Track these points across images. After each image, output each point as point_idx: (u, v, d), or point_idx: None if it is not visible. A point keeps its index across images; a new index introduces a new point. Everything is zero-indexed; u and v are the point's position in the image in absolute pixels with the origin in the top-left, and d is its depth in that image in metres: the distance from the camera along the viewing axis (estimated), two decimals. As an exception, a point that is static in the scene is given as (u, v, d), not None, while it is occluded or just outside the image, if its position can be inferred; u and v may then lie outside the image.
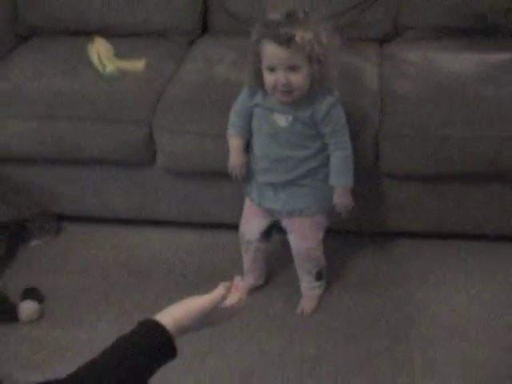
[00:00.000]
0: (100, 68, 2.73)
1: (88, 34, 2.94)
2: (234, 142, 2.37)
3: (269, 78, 2.14)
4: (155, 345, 1.22)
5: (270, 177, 2.32)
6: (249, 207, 2.46)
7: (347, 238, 2.77)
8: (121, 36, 3.00)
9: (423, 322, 2.41)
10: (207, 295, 1.32)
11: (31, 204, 2.80)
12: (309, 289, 2.50)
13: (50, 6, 3.07)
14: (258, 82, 2.21)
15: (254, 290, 2.57)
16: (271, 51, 2.10)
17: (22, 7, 3.14)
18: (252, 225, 2.46)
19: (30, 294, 2.53)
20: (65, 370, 1.16)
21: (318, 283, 2.49)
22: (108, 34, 2.96)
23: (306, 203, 2.33)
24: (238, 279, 1.42)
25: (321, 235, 2.41)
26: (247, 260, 2.55)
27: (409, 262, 2.66)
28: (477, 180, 2.55)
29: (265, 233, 2.46)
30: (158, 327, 1.24)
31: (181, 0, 3.03)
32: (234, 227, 2.54)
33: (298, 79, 2.12)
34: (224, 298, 1.34)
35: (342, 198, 2.32)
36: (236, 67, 2.72)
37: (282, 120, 2.25)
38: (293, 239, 2.42)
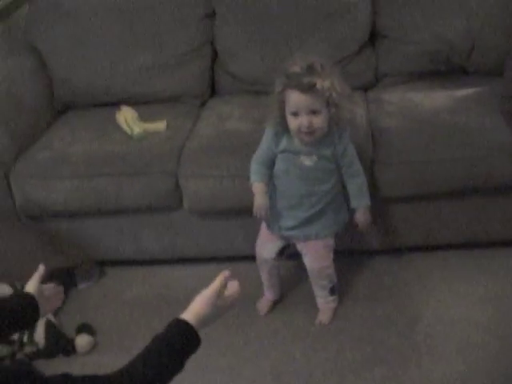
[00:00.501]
0: (128, 131, 3.08)
1: (115, 104, 3.32)
2: (259, 188, 2.59)
3: (293, 122, 2.43)
4: (184, 338, 1.55)
5: (296, 212, 2.61)
6: (265, 233, 2.75)
7: (353, 257, 3.06)
8: (143, 103, 3.36)
9: (425, 320, 2.69)
10: (210, 286, 1.66)
11: (77, 252, 3.05)
12: (324, 303, 2.79)
13: (81, 83, 3.44)
14: (283, 127, 2.49)
15: (275, 306, 2.87)
16: (295, 98, 2.38)
17: (58, 86, 3.49)
18: (269, 247, 2.76)
19: (84, 328, 2.79)
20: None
21: (331, 298, 2.78)
22: (132, 102, 3.33)
23: (320, 228, 2.63)
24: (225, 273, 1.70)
25: (331, 255, 2.71)
26: (264, 277, 2.85)
27: (407, 272, 2.96)
28: (456, 196, 2.86)
29: (279, 252, 2.76)
30: (184, 324, 1.56)
31: (191, 69, 3.39)
32: (250, 257, 2.85)
33: (319, 121, 2.41)
34: (223, 285, 1.66)
35: (363, 216, 2.65)
36: (243, 120, 3.08)
37: (307, 160, 2.52)
38: (307, 260, 2.72)
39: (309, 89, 2.35)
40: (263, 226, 2.76)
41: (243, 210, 2.74)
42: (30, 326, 1.82)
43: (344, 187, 2.64)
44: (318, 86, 2.34)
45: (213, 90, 3.50)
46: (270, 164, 2.60)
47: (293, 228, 2.66)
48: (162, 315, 2.78)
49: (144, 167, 2.92)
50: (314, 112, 2.39)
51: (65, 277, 3.04)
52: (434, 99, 3.05)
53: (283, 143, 2.54)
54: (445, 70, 3.25)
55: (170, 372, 1.50)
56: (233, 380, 2.57)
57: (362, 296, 2.89)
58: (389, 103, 3.09)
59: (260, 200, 2.60)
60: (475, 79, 3.20)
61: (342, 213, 2.67)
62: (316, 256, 2.71)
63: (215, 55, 3.47)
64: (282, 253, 2.80)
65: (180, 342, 1.53)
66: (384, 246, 3.06)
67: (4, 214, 3.02)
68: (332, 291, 2.78)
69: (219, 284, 1.66)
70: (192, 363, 2.65)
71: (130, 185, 2.92)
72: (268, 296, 2.89)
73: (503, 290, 2.82)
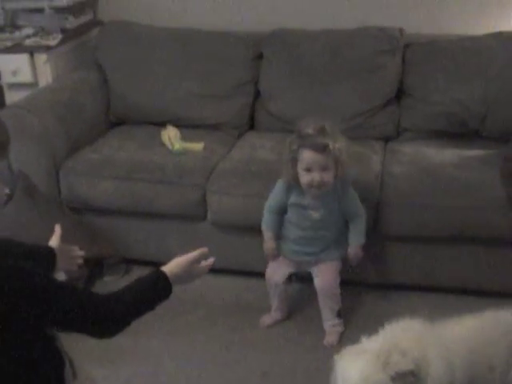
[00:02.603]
0: (169, 146, 3.43)
1: (162, 123, 3.68)
2: (268, 235, 2.98)
3: (306, 177, 2.75)
4: (160, 285, 1.83)
5: (304, 248, 2.95)
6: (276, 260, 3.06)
7: (352, 288, 3.25)
8: (187, 126, 3.69)
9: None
10: (188, 254, 1.92)
11: (108, 246, 3.37)
12: (332, 326, 3.04)
13: (135, 101, 3.83)
14: (295, 181, 2.80)
15: (281, 325, 3.12)
16: (309, 157, 2.71)
17: (114, 102, 3.89)
18: (279, 272, 3.04)
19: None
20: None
21: (338, 321, 3.04)
22: (178, 124, 3.67)
23: (329, 252, 2.94)
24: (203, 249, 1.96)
25: (338, 278, 2.98)
26: (275, 300, 3.11)
27: (399, 307, 3.10)
28: (452, 242, 3.09)
29: (288, 278, 3.06)
30: (163, 274, 1.84)
31: (235, 103, 3.75)
32: (261, 274, 3.12)
33: (329, 177, 2.74)
34: (200, 257, 1.94)
35: (354, 251, 2.93)
36: (273, 151, 3.39)
37: (316, 214, 2.86)
38: (319, 281, 2.98)
39: (322, 149, 2.68)
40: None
41: (259, 229, 3.01)
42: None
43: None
44: (331, 146, 2.68)
45: (251, 125, 3.83)
46: (282, 212, 2.95)
47: (303, 255, 2.97)
48: (174, 312, 3.13)
49: (177, 178, 3.25)
50: (324, 169, 2.71)
51: (94, 267, 3.38)
52: (445, 155, 3.30)
53: (293, 197, 2.87)
54: (460, 132, 3.51)
55: (143, 308, 1.78)
56: (225, 374, 2.85)
57: (354, 323, 3.12)
58: (403, 154, 3.36)
59: (268, 245, 3.01)
60: (486, 142, 3.44)
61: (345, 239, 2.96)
62: (326, 277, 2.97)
63: (257, 94, 3.81)
64: (290, 278, 3.09)
65: (156, 287, 1.82)
66: (381, 281, 3.29)
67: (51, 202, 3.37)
68: (339, 314, 3.03)
69: (196, 256, 1.94)
70: (193, 357, 2.95)
71: (163, 192, 3.25)
72: (275, 315, 3.15)
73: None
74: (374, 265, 3.24)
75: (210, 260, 2.00)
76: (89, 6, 4.23)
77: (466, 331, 2.34)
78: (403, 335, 2.27)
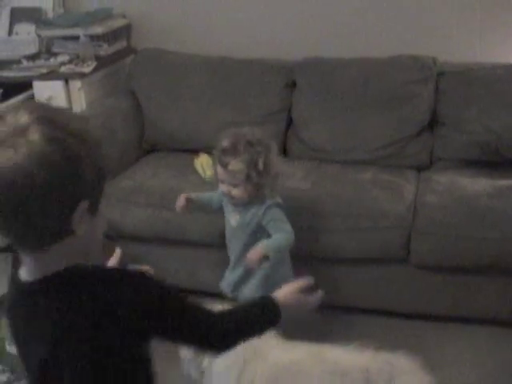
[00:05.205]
0: (202, 173, 3.46)
1: (195, 151, 3.70)
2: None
3: (220, 186, 2.83)
4: (269, 309, 1.78)
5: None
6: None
7: (382, 317, 3.27)
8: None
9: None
10: (294, 282, 1.86)
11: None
12: None
13: (169, 129, 3.88)
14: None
15: None
16: (218, 170, 2.79)
17: (147, 129, 3.94)
18: None
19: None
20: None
21: None
22: (210, 151, 3.43)
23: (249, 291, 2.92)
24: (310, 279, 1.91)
25: None
26: None
27: (429, 337, 3.15)
28: (484, 273, 3.07)
29: None
30: (270, 298, 1.79)
31: (267, 131, 3.44)
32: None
33: (237, 193, 2.76)
34: (305, 286, 1.87)
35: (254, 252, 2.71)
36: (303, 180, 3.40)
37: (232, 220, 2.90)
38: None
39: (225, 166, 2.72)
40: None
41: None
42: None
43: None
44: (230, 166, 2.70)
45: (283, 152, 3.80)
46: (212, 204, 3.01)
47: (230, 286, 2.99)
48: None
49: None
50: (233, 185, 2.74)
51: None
52: (478, 184, 3.26)
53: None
54: (494, 161, 3.48)
55: (252, 331, 1.76)
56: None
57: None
58: (437, 183, 3.33)
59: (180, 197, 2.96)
60: (520, 171, 3.40)
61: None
62: None
63: (290, 121, 3.83)
64: None
65: (265, 311, 1.78)
66: (411, 311, 3.26)
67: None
68: None
69: (303, 284, 1.89)
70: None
71: (195, 220, 3.25)
72: None
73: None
74: (404, 294, 3.21)
75: (319, 293, 1.93)
76: (123, 34, 4.29)
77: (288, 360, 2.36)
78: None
